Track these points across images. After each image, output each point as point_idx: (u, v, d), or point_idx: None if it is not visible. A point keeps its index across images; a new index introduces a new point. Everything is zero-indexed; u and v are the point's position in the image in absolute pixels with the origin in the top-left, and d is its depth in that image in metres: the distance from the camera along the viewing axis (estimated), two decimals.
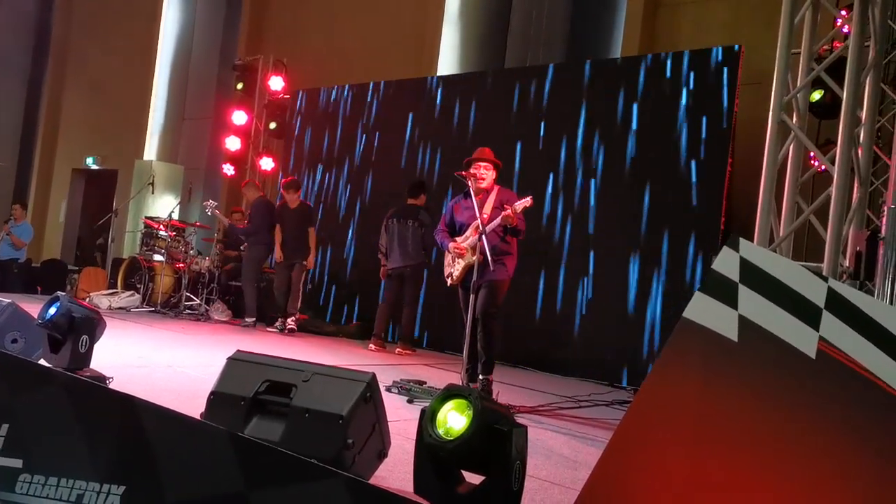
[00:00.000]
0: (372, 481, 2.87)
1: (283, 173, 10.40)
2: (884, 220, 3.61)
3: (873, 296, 3.45)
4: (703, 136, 6.75)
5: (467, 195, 5.30)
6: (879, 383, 1.71)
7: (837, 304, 1.79)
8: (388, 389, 5.00)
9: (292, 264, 8.47)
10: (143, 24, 13.71)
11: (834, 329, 1.78)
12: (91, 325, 3.66)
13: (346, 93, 9.68)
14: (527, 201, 5.06)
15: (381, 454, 2.91)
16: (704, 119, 6.77)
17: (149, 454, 2.23)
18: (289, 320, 8.37)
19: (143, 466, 2.22)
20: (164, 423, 2.28)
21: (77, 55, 15.00)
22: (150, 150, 13.45)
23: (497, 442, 2.28)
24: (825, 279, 1.85)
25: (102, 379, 3.75)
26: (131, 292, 9.23)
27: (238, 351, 2.97)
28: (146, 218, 10.12)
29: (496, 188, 5.42)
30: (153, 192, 10.92)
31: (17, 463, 2.44)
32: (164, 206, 11.58)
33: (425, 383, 5.12)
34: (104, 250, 10.80)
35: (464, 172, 5.30)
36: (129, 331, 7.05)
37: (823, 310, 1.81)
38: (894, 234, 3.15)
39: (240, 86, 11.06)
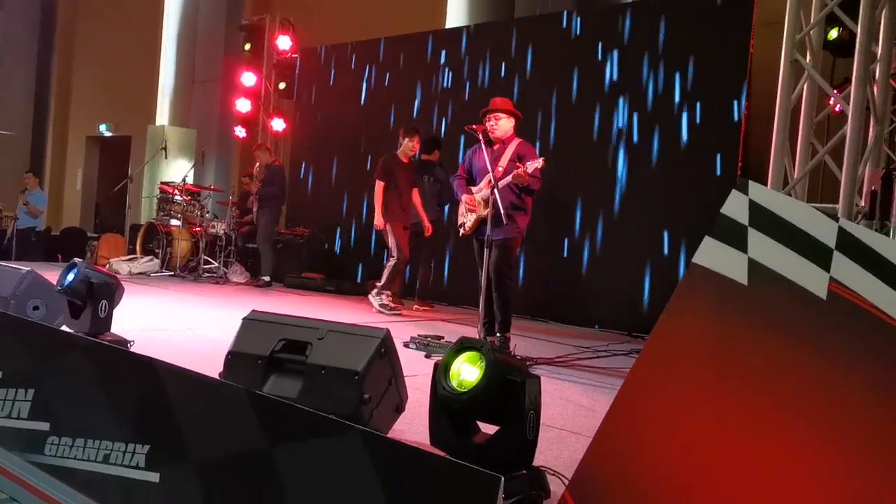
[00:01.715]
0: (390, 435, 2.92)
1: (294, 133, 10.37)
2: None
3: (890, 235, 3.41)
4: (719, 79, 6.61)
5: (488, 144, 5.22)
6: (891, 322, 1.70)
7: (848, 245, 1.77)
8: (406, 345, 5.05)
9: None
10: None
11: (845, 269, 1.76)
12: (109, 290, 3.71)
13: (352, 50, 9.58)
14: (538, 162, 4.97)
15: (399, 408, 2.95)
16: (720, 61, 6.63)
17: (171, 414, 2.27)
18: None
19: (166, 426, 2.27)
20: (184, 384, 2.32)
21: (85, 22, 14.93)
22: (162, 115, 13.43)
23: (510, 392, 2.29)
24: (836, 219, 1.83)
25: (124, 343, 3.82)
26: (150, 257, 9.33)
27: (253, 311, 3.01)
28: (161, 183, 10.16)
29: (516, 141, 5.31)
30: (166, 157, 10.95)
31: (45, 426, 2.51)
32: (178, 170, 11.61)
33: (443, 338, 5.16)
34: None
35: (474, 126, 5.23)
36: (149, 295, 7.15)
37: (834, 250, 1.79)
38: None
39: (247, 46, 10.97)
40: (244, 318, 2.96)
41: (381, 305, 7.07)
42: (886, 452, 1.65)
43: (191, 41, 13.67)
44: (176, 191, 9.48)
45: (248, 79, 10.77)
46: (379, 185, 7.06)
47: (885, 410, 1.67)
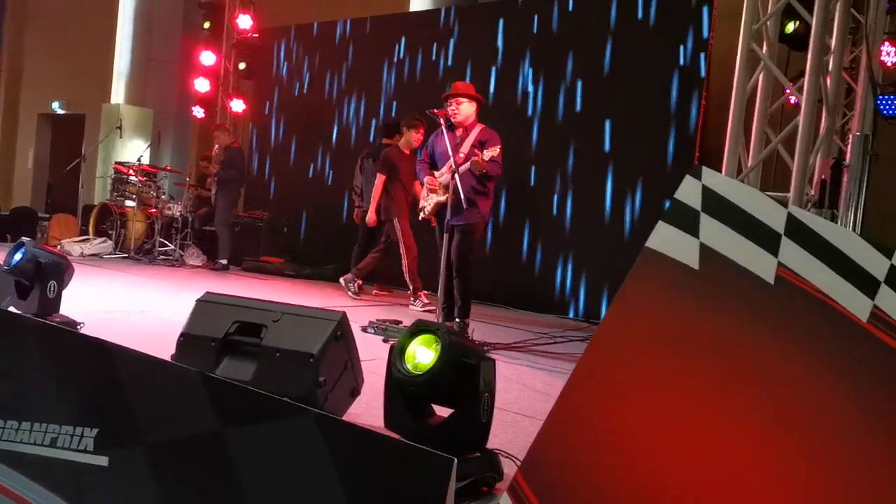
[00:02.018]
0: (345, 418, 2.92)
1: (254, 114, 10.23)
2: (849, 147, 3.63)
3: (837, 223, 3.49)
4: (679, 69, 6.69)
5: (450, 129, 5.20)
6: (835, 305, 1.74)
7: (796, 231, 1.81)
8: (364, 329, 5.03)
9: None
10: None
11: (792, 255, 1.80)
12: (58, 270, 3.62)
13: (317, 30, 9.46)
14: (495, 150, 4.97)
15: (354, 391, 2.95)
16: (679, 51, 6.71)
17: (120, 397, 2.23)
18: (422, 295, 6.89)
19: (116, 409, 2.23)
20: (135, 366, 2.27)
21: None
22: (118, 94, 13.10)
23: (465, 375, 2.30)
24: (785, 205, 1.86)
25: (73, 324, 3.73)
26: (103, 239, 9.13)
27: (207, 293, 2.96)
28: (116, 163, 9.94)
29: (479, 126, 5.30)
30: (121, 137, 10.70)
31: None
32: (133, 150, 11.35)
33: (401, 322, 5.15)
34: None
35: (436, 110, 5.21)
36: (101, 277, 7.00)
37: (783, 236, 1.82)
38: (859, 162, 3.17)
39: (207, 25, 10.75)
40: (198, 300, 2.91)
41: (353, 293, 6.97)
42: (828, 432, 1.70)
43: (148, 18, 13.34)
44: (131, 171, 9.28)
45: (207, 58, 10.57)
46: (380, 179, 6.79)
47: (828, 393, 1.71)
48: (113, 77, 13.07)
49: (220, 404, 2.07)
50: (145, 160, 9.51)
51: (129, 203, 9.39)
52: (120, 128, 10.40)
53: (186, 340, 2.81)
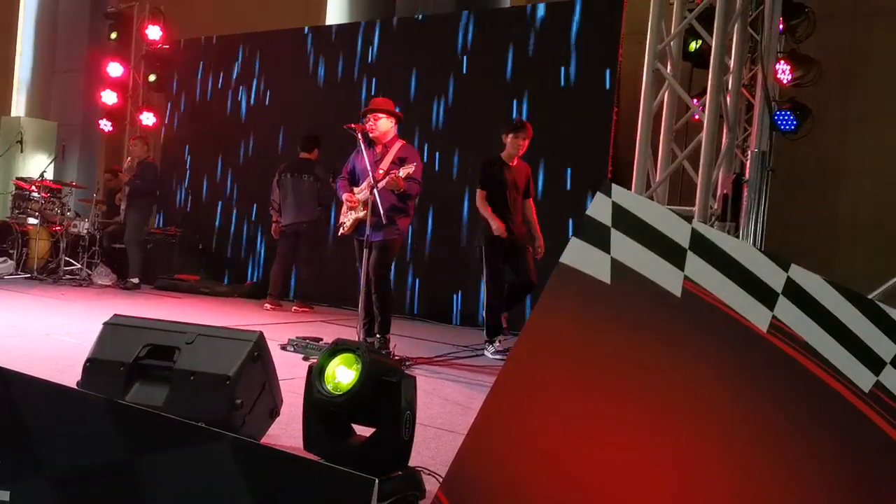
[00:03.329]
0: (265, 440, 2.86)
1: (165, 128, 9.95)
2: (748, 163, 3.82)
3: (739, 236, 3.67)
4: (589, 86, 6.88)
5: (369, 145, 5.18)
6: (737, 317, 1.82)
7: (700, 245, 1.89)
8: (284, 347, 4.95)
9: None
10: None
11: (697, 268, 1.88)
12: None
13: (228, 42, 9.29)
14: (411, 167, 4.97)
15: (273, 413, 2.90)
16: (590, 69, 6.90)
17: (21, 427, 2.13)
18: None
19: (16, 440, 2.13)
20: (36, 394, 2.17)
21: None
22: (18, 106, 12.51)
23: (386, 394, 2.30)
24: (689, 221, 1.94)
25: None
26: (4, 259, 8.66)
27: (115, 315, 2.86)
28: (17, 179, 9.46)
29: (399, 143, 5.29)
30: (22, 151, 10.20)
31: None
32: (36, 165, 10.82)
33: (321, 340, 5.10)
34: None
35: (353, 125, 5.18)
36: (1, 299, 6.64)
37: (688, 250, 1.90)
38: (757, 177, 3.34)
39: (113, 35, 10.39)
40: (105, 323, 2.81)
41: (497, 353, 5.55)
42: (730, 438, 1.78)
43: (51, 27, 12.80)
44: (34, 187, 8.85)
45: (115, 69, 10.21)
46: (480, 195, 5.64)
47: (731, 401, 1.79)
48: (13, 88, 12.48)
49: (130, 432, 2.00)
50: (49, 175, 9.09)
51: (31, 220, 8.95)
52: (21, 141, 9.92)
53: (93, 366, 2.70)
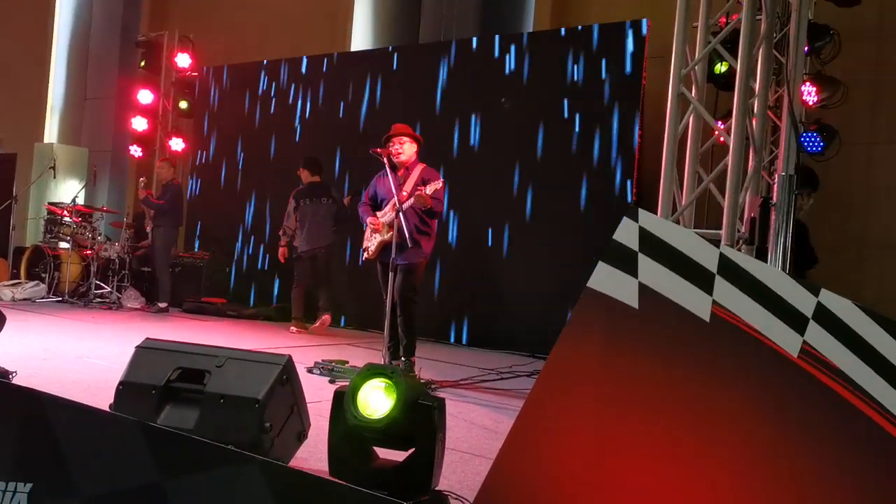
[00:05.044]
0: (292, 463, 2.88)
1: (194, 153, 10.12)
2: (775, 186, 3.81)
3: (767, 260, 3.64)
4: (614, 109, 6.90)
5: (393, 169, 5.25)
6: (766, 342, 1.82)
7: (729, 269, 1.89)
8: (310, 370, 4.97)
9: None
10: None
11: (726, 293, 1.88)
12: None
13: (258, 69, 9.45)
14: (437, 184, 5.03)
15: (301, 436, 2.91)
16: (614, 93, 6.92)
17: (56, 449, 2.16)
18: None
19: (51, 462, 2.16)
20: (71, 417, 2.21)
21: None
22: (51, 133, 12.79)
23: (421, 417, 2.30)
24: (717, 245, 1.94)
25: (5, 373, 3.59)
26: (36, 282, 8.82)
27: (147, 339, 2.91)
28: (49, 204, 9.66)
29: (420, 166, 5.37)
30: (55, 177, 10.41)
31: None
32: (68, 190, 11.04)
33: (347, 363, 5.12)
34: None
35: (378, 150, 5.25)
36: (34, 322, 6.76)
37: (716, 275, 1.90)
38: (785, 200, 3.32)
39: (143, 63, 10.62)
40: (137, 347, 2.85)
41: None
42: (758, 465, 1.76)
43: (83, 56, 13.12)
44: (65, 212, 9.03)
45: (145, 96, 10.42)
46: None
47: (761, 427, 1.78)
48: (46, 115, 12.77)
49: (162, 454, 2.03)
50: (80, 200, 9.27)
51: (63, 245, 9.11)
52: (53, 167, 10.13)
53: (126, 389, 2.74)
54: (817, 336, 1.77)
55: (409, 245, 4.93)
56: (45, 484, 2.13)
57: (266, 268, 9.04)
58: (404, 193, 5.12)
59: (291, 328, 7.44)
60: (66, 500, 2.08)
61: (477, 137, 7.64)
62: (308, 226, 7.43)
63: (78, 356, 5.12)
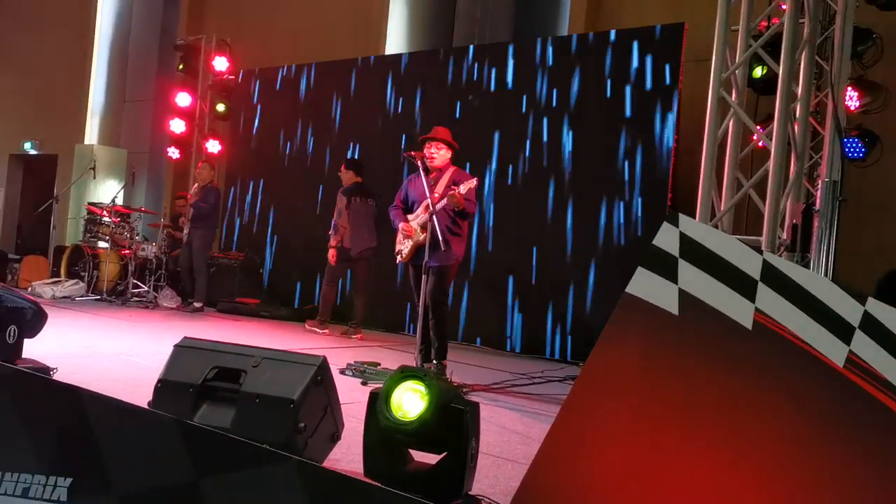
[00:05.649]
0: (325, 464, 2.88)
1: (230, 155, 10.24)
2: (818, 192, 3.72)
3: (810, 267, 3.57)
4: (649, 113, 6.83)
5: (425, 171, 5.25)
6: (811, 351, 1.78)
7: (772, 276, 1.85)
8: (343, 372, 4.99)
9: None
10: (78, 2, 13.26)
11: (769, 300, 1.84)
12: (18, 316, 3.55)
13: (294, 72, 9.53)
14: (472, 183, 5.02)
15: (335, 437, 2.92)
16: (650, 97, 6.85)
17: (95, 445, 2.19)
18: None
19: (90, 457, 2.19)
20: (110, 413, 2.24)
21: (6, 36, 14.42)
22: (91, 134, 13.06)
23: (454, 420, 2.30)
24: (760, 252, 1.91)
25: (46, 370, 3.66)
26: (75, 281, 9.00)
27: (185, 338, 2.94)
28: (89, 204, 9.85)
29: (451, 168, 5.38)
30: (95, 177, 10.62)
31: None
32: (107, 191, 11.25)
33: (380, 364, 5.13)
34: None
35: (413, 152, 5.26)
36: (74, 320, 6.89)
37: (759, 282, 1.86)
38: (829, 207, 3.25)
39: (181, 67, 10.78)
40: (175, 345, 2.89)
41: None
42: (805, 476, 1.72)
43: (122, 59, 13.39)
44: (105, 212, 9.20)
45: (183, 99, 10.58)
46: None
47: (806, 437, 1.74)
48: (87, 117, 13.03)
49: (198, 451, 2.04)
50: (119, 201, 9.43)
51: (102, 244, 9.28)
52: (93, 168, 10.33)
53: (164, 386, 2.77)
54: (864, 346, 1.73)
55: (442, 246, 4.93)
56: (84, 478, 2.16)
57: (300, 269, 9.10)
58: (436, 195, 5.12)
59: (308, 326, 7.50)
60: (104, 495, 2.11)
61: (508, 142, 7.62)
62: (359, 226, 7.31)
63: (116, 354, 5.20)
